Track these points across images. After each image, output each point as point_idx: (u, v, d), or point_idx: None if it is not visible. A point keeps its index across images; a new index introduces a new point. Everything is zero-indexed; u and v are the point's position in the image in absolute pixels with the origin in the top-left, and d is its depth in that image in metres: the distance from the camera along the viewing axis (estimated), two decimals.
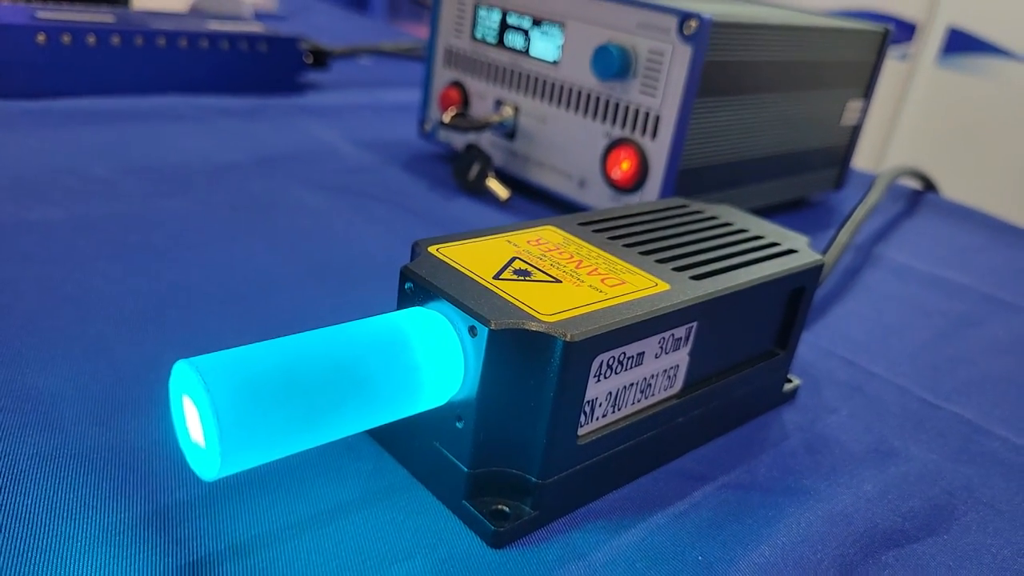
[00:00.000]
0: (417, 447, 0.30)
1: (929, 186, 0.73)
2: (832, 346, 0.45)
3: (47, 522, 0.26)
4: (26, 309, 0.37)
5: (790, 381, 0.39)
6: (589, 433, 0.29)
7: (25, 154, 0.54)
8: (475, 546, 0.28)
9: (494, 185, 0.57)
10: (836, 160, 0.66)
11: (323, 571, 0.26)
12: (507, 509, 0.28)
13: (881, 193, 0.57)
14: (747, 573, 0.28)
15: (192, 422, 0.23)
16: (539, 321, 0.26)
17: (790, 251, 0.36)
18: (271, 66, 0.76)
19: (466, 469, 0.28)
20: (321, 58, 0.81)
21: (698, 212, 0.39)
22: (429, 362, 0.26)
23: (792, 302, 0.36)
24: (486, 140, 0.60)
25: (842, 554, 0.29)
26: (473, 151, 0.58)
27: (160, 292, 0.40)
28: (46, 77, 0.65)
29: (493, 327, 0.26)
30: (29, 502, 0.26)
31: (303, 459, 0.30)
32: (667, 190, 0.51)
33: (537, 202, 0.59)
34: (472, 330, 0.26)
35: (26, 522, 0.26)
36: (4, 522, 0.25)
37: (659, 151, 0.51)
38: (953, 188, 0.78)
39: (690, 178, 0.52)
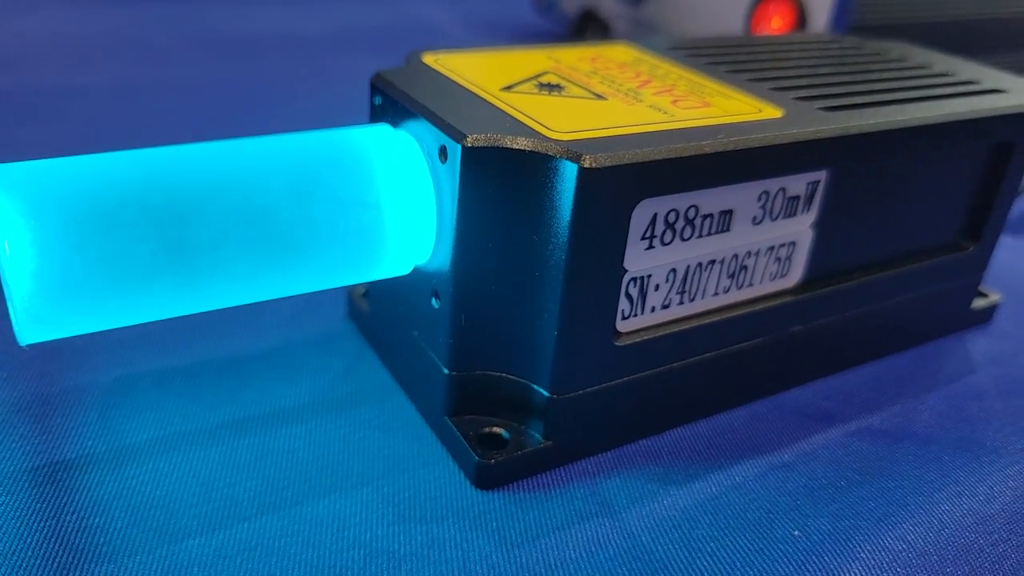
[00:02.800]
0: (397, 340, 0.21)
1: None
2: None
3: None
4: None
5: (984, 296, 0.27)
6: (638, 331, 0.19)
7: (87, 27, 0.50)
8: (454, 482, 0.19)
9: None
10: None
11: (225, 493, 0.18)
12: (504, 433, 0.19)
13: None
14: (872, 564, 0.17)
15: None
16: (544, 138, 0.16)
17: (994, 91, 0.23)
18: None
19: (446, 370, 0.19)
20: None
21: (855, 48, 0.27)
22: (386, 201, 0.17)
23: (993, 166, 0.24)
24: (608, 9, 0.49)
25: None
26: (588, 19, 0.47)
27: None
28: None
29: (469, 143, 0.16)
30: None
31: (256, 351, 0.22)
32: None
33: None
34: (443, 153, 0.17)
35: None
36: None
37: (822, 1, 0.38)
38: None
39: None
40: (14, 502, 0.17)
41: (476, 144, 0.16)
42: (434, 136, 0.17)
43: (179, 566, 0.16)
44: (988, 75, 0.25)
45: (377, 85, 0.19)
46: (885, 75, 0.23)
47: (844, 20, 0.39)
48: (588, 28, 0.47)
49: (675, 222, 0.18)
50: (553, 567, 0.17)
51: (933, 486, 0.20)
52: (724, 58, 0.24)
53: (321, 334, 0.23)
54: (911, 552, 0.18)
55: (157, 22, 0.52)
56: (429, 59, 0.21)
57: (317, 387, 0.21)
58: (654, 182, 0.17)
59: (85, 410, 0.20)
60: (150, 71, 0.43)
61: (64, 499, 0.17)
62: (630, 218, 0.17)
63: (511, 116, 0.17)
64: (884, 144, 0.20)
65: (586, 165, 0.16)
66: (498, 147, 0.16)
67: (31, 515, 0.17)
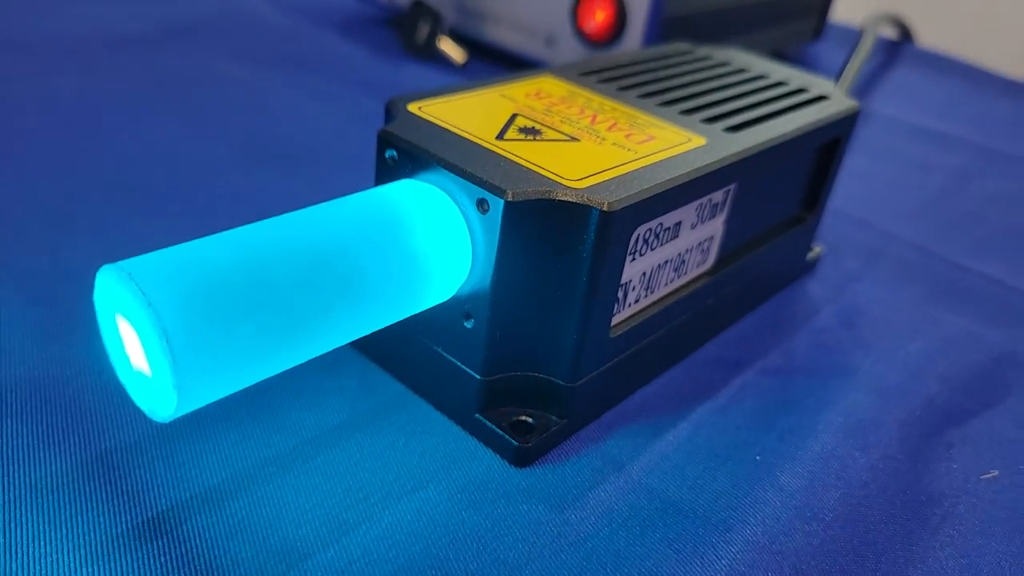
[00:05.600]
0: (414, 355, 0.24)
1: (905, 35, 0.68)
2: (841, 206, 0.40)
3: None
4: None
5: (811, 250, 0.35)
6: (621, 323, 0.24)
7: None
8: (496, 467, 0.23)
9: (447, 47, 0.50)
10: (814, 9, 0.60)
11: (319, 512, 0.21)
12: (530, 420, 0.23)
13: (873, 39, 0.52)
14: (812, 465, 0.24)
15: (132, 346, 0.17)
16: (566, 188, 0.21)
17: (821, 97, 0.31)
18: None
19: (479, 377, 0.23)
20: None
21: (707, 58, 0.33)
22: (431, 247, 0.21)
23: (824, 156, 0.31)
24: None
25: (905, 436, 0.26)
26: (420, 8, 0.50)
27: (64, 190, 0.33)
28: None
29: (510, 198, 0.20)
30: None
31: (270, 381, 0.24)
32: (650, 41, 0.45)
33: (498, 65, 0.52)
34: (482, 204, 0.21)
35: None
36: None
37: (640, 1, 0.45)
38: (927, 36, 0.73)
39: (674, 28, 0.46)
40: (135, 560, 0.19)
41: (517, 198, 0.20)
42: (468, 191, 0.21)
43: None
44: (808, 80, 0.32)
45: (388, 141, 0.22)
46: (745, 88, 0.30)
47: (659, 10, 0.45)
48: (420, 16, 0.50)
49: (649, 238, 0.23)
50: (600, 518, 0.22)
51: (831, 402, 0.27)
52: (626, 82, 0.29)
53: (320, 359, 0.26)
54: (830, 453, 0.25)
55: None
56: (413, 108, 0.24)
57: (344, 405, 0.24)
58: (646, 212, 0.22)
59: (148, 465, 0.21)
60: None
61: (183, 548, 0.19)
62: (629, 241, 0.22)
63: (525, 167, 0.21)
64: (771, 154, 0.26)
65: (605, 209, 0.20)
66: (535, 200, 0.20)
67: (159, 568, 0.19)
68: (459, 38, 0.52)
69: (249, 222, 0.19)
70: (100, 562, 0.19)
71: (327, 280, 0.19)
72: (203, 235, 0.18)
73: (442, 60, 0.51)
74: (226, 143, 0.38)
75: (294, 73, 0.47)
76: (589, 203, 0.20)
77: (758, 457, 0.24)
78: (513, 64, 0.51)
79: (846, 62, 0.49)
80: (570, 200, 0.20)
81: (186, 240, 0.18)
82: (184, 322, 0.16)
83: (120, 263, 0.16)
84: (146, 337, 0.16)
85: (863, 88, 0.59)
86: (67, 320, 0.25)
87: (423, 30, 0.50)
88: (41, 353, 0.24)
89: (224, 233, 0.18)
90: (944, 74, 0.64)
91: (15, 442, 0.21)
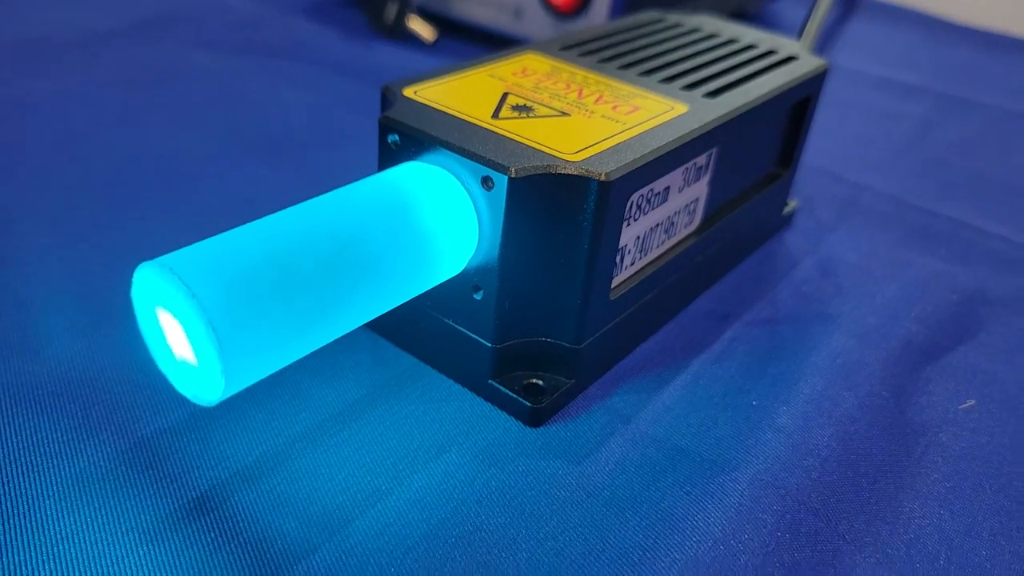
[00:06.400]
0: (426, 329, 0.26)
1: None
2: (812, 159, 0.42)
3: (10, 480, 0.21)
4: None
5: (787, 204, 0.36)
6: (620, 285, 0.25)
7: None
8: (512, 428, 0.24)
9: (417, 25, 0.51)
10: None
11: (352, 481, 0.22)
12: (541, 382, 0.25)
13: None
14: (805, 406, 0.26)
15: (174, 338, 0.18)
16: (565, 161, 0.22)
17: (790, 58, 0.32)
18: None
19: (490, 344, 0.24)
20: None
21: (679, 25, 0.34)
22: (439, 226, 0.22)
23: (796, 114, 0.32)
24: None
25: (888, 375, 0.28)
26: None
27: (57, 192, 0.33)
28: None
29: (513, 175, 0.21)
30: None
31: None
32: (616, 10, 0.46)
33: (468, 41, 0.52)
34: (486, 181, 0.22)
35: None
36: None
37: None
38: None
39: None
40: (185, 537, 0.20)
41: (520, 174, 0.21)
42: (472, 169, 0.22)
43: (358, 544, 0.20)
44: (776, 42, 0.33)
45: (391, 126, 0.23)
46: (718, 53, 0.31)
47: None
48: None
49: (642, 204, 0.24)
50: (614, 468, 0.23)
51: (817, 347, 0.28)
52: (605, 54, 0.30)
53: None
54: (820, 394, 0.26)
55: None
56: (408, 92, 0.25)
57: (363, 380, 0.25)
58: (640, 179, 0.23)
59: (184, 448, 0.22)
60: None
61: (230, 523, 0.20)
62: (624, 208, 0.23)
63: (523, 144, 0.22)
64: (749, 116, 0.28)
65: (603, 179, 0.22)
66: (537, 175, 0.21)
67: (210, 543, 0.20)
68: (427, 15, 0.53)
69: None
70: (153, 542, 0.20)
71: (348, 264, 0.20)
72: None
73: (412, 39, 0.52)
74: (208, 134, 0.39)
75: (266, 60, 0.48)
76: (588, 174, 0.22)
77: (754, 402, 0.26)
78: (482, 39, 0.52)
79: (807, 19, 0.50)
80: (570, 173, 0.22)
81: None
82: (227, 312, 0.17)
83: (160, 259, 0.17)
84: (191, 328, 0.17)
85: (824, 43, 0.60)
86: (86, 317, 0.26)
87: (391, 9, 0.51)
88: (67, 351, 0.25)
89: (251, 224, 0.19)
90: (901, 24, 0.66)
91: (55, 436, 0.22)
